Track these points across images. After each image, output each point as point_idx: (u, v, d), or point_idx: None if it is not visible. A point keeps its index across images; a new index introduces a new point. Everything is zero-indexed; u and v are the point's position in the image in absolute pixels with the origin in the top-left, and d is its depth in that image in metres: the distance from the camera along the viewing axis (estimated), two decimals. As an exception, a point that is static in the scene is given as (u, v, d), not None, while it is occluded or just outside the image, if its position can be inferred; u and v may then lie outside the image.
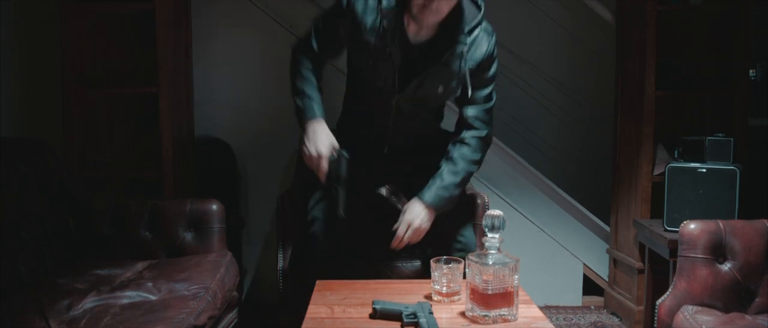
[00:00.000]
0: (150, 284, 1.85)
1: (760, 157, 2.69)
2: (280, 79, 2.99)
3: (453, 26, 1.80)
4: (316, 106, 1.88)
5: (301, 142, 1.87)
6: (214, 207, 2.23)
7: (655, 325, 1.81)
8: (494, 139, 3.02)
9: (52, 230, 2.13)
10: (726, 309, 1.74)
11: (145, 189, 2.72)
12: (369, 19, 1.81)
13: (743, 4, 2.61)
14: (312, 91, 1.91)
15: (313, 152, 1.81)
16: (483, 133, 1.95)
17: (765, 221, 1.81)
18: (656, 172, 2.68)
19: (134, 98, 2.80)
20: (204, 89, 2.95)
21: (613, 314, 2.96)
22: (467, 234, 2.03)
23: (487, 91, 1.93)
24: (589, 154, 3.75)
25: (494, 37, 1.89)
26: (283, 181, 2.97)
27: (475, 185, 2.83)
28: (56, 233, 2.15)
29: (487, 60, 1.88)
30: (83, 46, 2.68)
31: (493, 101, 1.96)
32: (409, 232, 1.88)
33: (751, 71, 2.70)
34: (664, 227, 2.45)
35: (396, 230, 1.89)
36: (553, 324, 1.62)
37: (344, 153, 1.83)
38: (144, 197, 2.35)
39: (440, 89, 1.87)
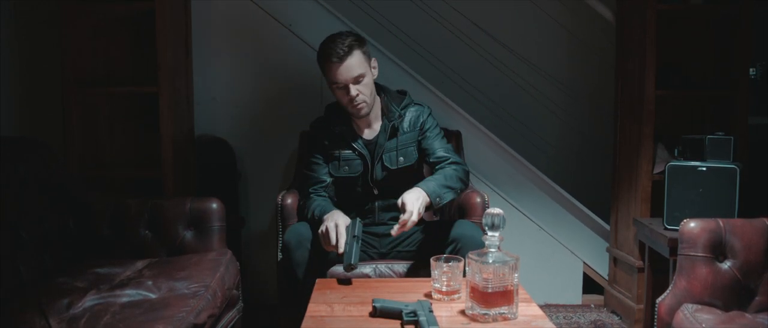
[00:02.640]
0: (150, 283, 1.85)
1: (760, 156, 2.70)
2: (280, 79, 3.01)
3: (389, 113, 2.23)
4: (329, 205, 2.12)
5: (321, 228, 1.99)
6: (214, 206, 2.24)
7: (655, 323, 1.81)
8: (494, 137, 3.06)
9: (52, 230, 2.13)
10: (726, 308, 1.74)
11: (145, 189, 2.72)
12: (329, 137, 2.23)
13: (743, 4, 2.61)
14: (324, 201, 2.16)
15: (332, 226, 1.94)
16: (457, 159, 2.22)
17: (765, 219, 1.81)
18: (656, 170, 2.68)
19: (134, 98, 2.80)
20: (204, 89, 2.95)
21: (613, 312, 2.96)
22: None
23: (439, 139, 2.25)
24: (589, 153, 3.75)
25: (427, 109, 2.29)
26: (284, 180, 2.97)
27: (475, 184, 2.83)
28: (56, 233, 2.15)
29: (427, 124, 2.26)
30: (83, 45, 2.67)
31: (449, 145, 2.27)
32: (414, 215, 1.96)
33: (751, 70, 2.71)
34: (664, 225, 2.45)
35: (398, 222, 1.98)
36: (553, 323, 1.62)
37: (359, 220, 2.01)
38: (144, 197, 2.35)
39: (401, 159, 2.23)
